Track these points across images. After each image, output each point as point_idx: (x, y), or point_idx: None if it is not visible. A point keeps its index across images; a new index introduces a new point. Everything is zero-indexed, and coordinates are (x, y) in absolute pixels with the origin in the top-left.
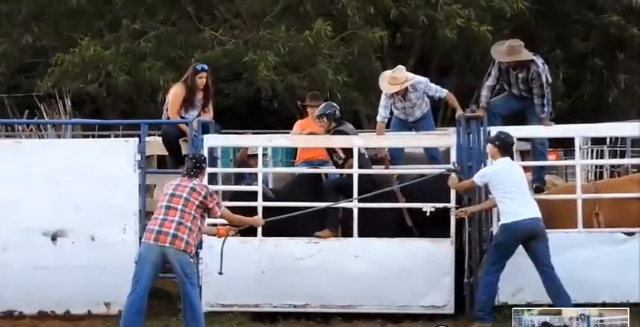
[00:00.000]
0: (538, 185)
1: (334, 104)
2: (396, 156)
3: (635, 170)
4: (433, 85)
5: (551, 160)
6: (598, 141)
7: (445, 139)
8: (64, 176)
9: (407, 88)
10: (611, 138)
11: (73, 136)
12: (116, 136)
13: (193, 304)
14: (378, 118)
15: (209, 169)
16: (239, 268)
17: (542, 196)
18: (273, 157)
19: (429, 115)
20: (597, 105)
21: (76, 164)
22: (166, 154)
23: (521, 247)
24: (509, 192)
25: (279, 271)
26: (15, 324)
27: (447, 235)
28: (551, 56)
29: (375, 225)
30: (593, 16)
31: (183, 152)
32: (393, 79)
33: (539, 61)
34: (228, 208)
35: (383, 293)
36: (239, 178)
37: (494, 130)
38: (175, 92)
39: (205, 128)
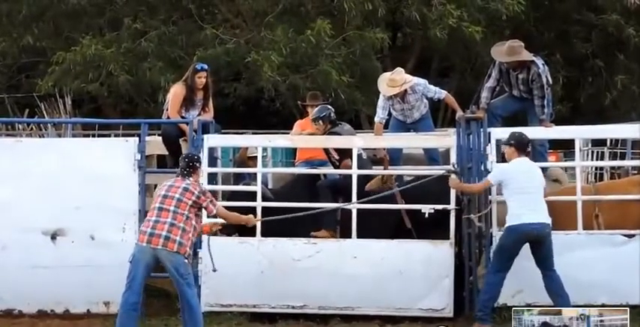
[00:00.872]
0: None
1: (329, 106)
2: (395, 157)
3: (636, 172)
4: (432, 87)
5: (552, 162)
6: (598, 143)
7: (444, 139)
8: (64, 175)
9: (406, 90)
10: (611, 140)
11: (74, 136)
12: (116, 135)
13: (191, 304)
14: (376, 119)
15: (209, 169)
16: (238, 268)
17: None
18: (272, 157)
19: (428, 116)
20: (598, 107)
21: (76, 164)
22: (166, 153)
23: (524, 248)
24: (517, 193)
25: (278, 272)
26: (14, 323)
27: (447, 237)
28: (550, 60)
29: (375, 226)
30: (593, 16)
31: (183, 152)
32: (392, 81)
33: (540, 61)
34: (227, 208)
35: (381, 295)
36: (238, 179)
37: (494, 132)
38: (175, 92)
39: (205, 128)
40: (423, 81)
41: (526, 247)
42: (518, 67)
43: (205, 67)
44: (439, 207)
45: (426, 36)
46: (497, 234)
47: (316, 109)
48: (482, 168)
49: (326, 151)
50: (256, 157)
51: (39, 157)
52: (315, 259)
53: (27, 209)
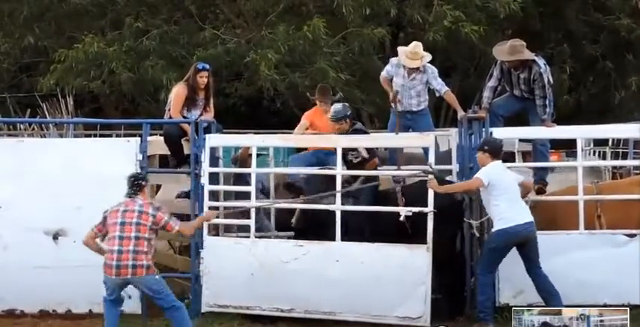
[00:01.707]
0: (540, 186)
1: (347, 104)
2: (392, 156)
3: (638, 172)
4: (439, 79)
5: (553, 161)
6: (600, 142)
7: (424, 139)
8: (65, 176)
9: (418, 67)
10: (613, 139)
11: (75, 136)
12: (118, 135)
13: (174, 315)
14: (383, 74)
15: (210, 169)
16: (233, 269)
17: (543, 198)
18: (274, 156)
19: (428, 112)
20: (602, 106)
21: (77, 164)
22: (168, 153)
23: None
24: (502, 195)
25: (268, 274)
26: (16, 323)
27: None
28: (557, 51)
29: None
30: (601, 17)
31: (186, 152)
32: (415, 54)
33: (541, 61)
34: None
35: (360, 301)
36: (239, 178)
37: (496, 131)
38: (177, 92)
39: (207, 128)
40: (434, 67)
41: None
42: (520, 67)
43: (207, 66)
44: (415, 209)
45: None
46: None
47: (337, 107)
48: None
49: (347, 148)
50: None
51: (40, 157)
52: (301, 261)
53: (29, 209)
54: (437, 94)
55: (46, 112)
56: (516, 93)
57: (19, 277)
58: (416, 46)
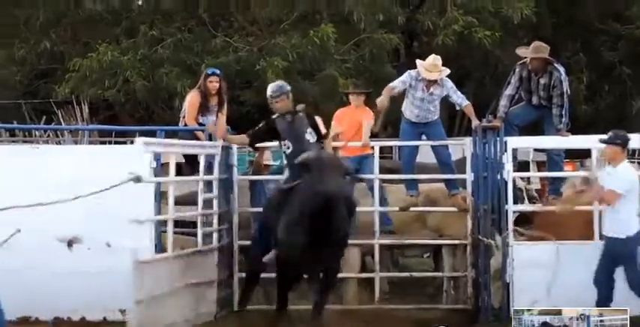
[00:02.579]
0: (554, 197)
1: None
2: (408, 163)
3: None
4: (459, 92)
5: (568, 171)
6: None
7: None
8: (79, 182)
9: (436, 81)
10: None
11: (90, 142)
12: (132, 142)
13: None
14: (391, 85)
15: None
16: None
17: (560, 207)
18: None
19: (440, 122)
20: (619, 115)
21: (91, 170)
22: (183, 161)
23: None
24: (634, 202)
25: None
26: None
27: None
28: (574, 60)
29: None
30: (619, 27)
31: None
32: (434, 66)
33: (562, 69)
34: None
35: None
36: (253, 186)
37: (511, 141)
38: (191, 99)
39: None
40: (451, 82)
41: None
42: (541, 71)
43: (217, 71)
44: None
45: (437, 43)
46: (513, 244)
47: (276, 84)
48: (499, 177)
49: None
50: (271, 164)
51: (55, 164)
52: None
53: (43, 216)
54: (457, 108)
55: (62, 119)
56: (534, 101)
57: (34, 284)
58: (435, 58)
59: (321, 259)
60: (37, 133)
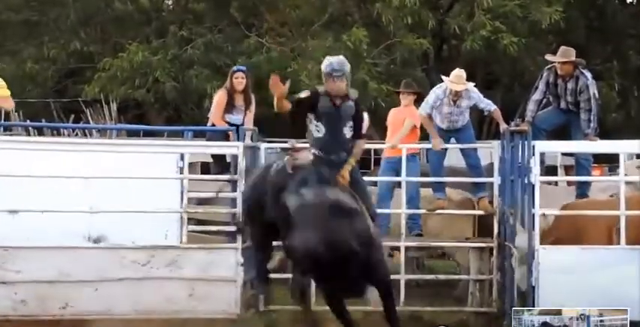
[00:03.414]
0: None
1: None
2: (437, 166)
3: None
4: (484, 98)
5: (595, 176)
6: None
7: None
8: (107, 181)
9: (461, 95)
10: None
11: None
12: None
13: None
14: (422, 113)
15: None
16: None
17: (586, 212)
18: None
19: (470, 126)
20: None
21: (119, 169)
22: (210, 160)
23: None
24: None
25: None
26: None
27: None
28: (605, 68)
29: None
30: None
31: (228, 159)
32: (459, 77)
33: (589, 74)
34: None
35: None
36: None
37: (538, 145)
38: (218, 98)
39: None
40: (477, 91)
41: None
42: (568, 75)
43: (242, 68)
44: None
45: (465, 47)
46: (538, 248)
47: (338, 59)
48: (526, 181)
49: None
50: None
51: (83, 162)
52: None
53: (70, 214)
54: (485, 113)
55: (90, 118)
56: (562, 105)
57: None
58: (459, 71)
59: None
60: (65, 131)
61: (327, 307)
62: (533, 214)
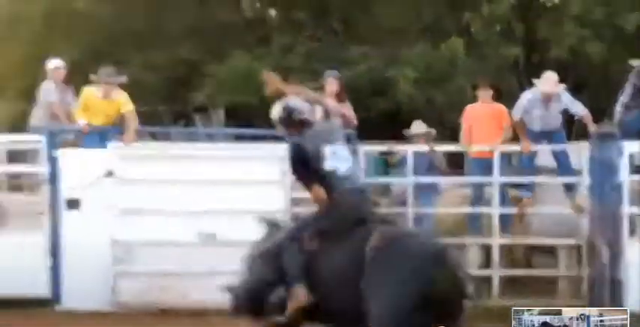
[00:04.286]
0: None
1: None
2: (527, 166)
3: None
4: (576, 102)
5: None
6: None
7: None
8: (215, 181)
9: (552, 97)
10: None
11: None
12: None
13: None
14: (516, 117)
15: None
16: None
17: None
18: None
19: (562, 128)
20: None
21: (228, 170)
22: None
23: None
24: None
25: None
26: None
27: None
28: None
29: None
30: None
31: None
32: (549, 80)
33: None
34: None
35: None
36: None
37: (627, 145)
38: None
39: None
40: (568, 94)
41: None
42: None
43: (334, 73)
44: None
45: (552, 55)
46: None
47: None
48: (615, 181)
49: None
50: None
51: (191, 164)
52: None
53: (180, 214)
54: (576, 117)
55: (199, 124)
56: None
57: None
58: (550, 73)
59: None
60: (175, 136)
61: None
62: (622, 213)
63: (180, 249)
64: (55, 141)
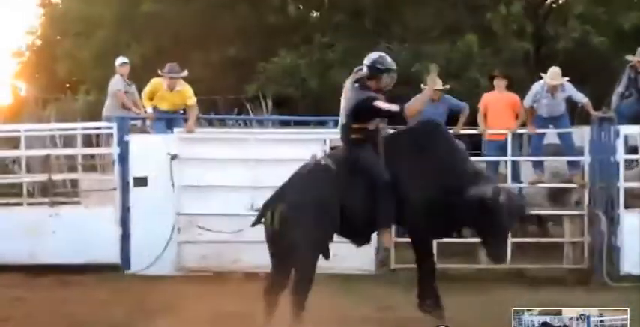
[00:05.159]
0: None
1: None
2: (537, 147)
3: None
4: (577, 91)
5: None
6: None
7: None
8: (265, 161)
9: (558, 88)
10: None
11: None
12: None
13: None
14: (527, 105)
15: None
16: None
17: None
18: None
19: (566, 114)
20: None
21: (275, 151)
22: None
23: None
24: None
25: None
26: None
27: None
28: None
29: None
30: None
31: None
32: (555, 73)
33: None
34: None
35: None
36: None
37: (623, 128)
38: None
39: None
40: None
41: None
42: None
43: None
44: None
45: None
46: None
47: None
48: (612, 160)
49: None
50: None
51: (244, 147)
52: None
53: (234, 190)
54: (579, 104)
55: (250, 111)
56: None
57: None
58: (556, 68)
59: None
60: (229, 122)
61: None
62: (618, 187)
63: (234, 220)
64: (124, 127)
